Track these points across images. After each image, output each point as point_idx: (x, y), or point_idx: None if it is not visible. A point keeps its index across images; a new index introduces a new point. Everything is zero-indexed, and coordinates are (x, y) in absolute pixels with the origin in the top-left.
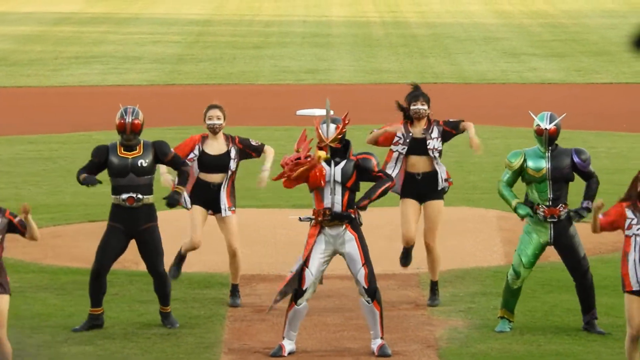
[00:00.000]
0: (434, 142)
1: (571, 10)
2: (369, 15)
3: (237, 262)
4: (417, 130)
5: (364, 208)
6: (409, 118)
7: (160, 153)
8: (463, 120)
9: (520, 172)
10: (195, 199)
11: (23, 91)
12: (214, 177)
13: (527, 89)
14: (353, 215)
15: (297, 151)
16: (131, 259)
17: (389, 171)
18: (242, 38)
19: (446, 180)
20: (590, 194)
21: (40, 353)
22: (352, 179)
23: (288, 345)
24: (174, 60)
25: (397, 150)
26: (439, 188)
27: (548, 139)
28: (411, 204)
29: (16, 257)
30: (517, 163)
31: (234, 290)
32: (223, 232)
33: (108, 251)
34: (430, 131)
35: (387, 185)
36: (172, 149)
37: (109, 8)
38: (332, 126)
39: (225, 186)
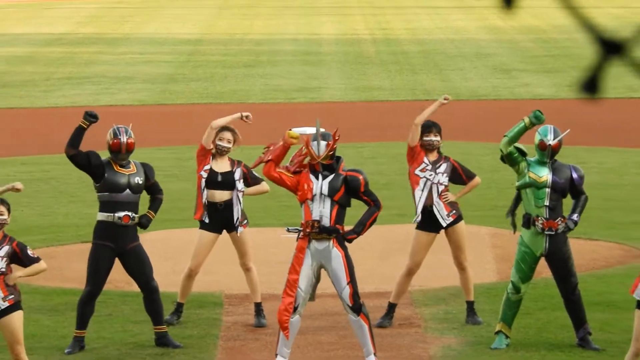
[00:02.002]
0: (439, 177)
1: (562, 25)
2: (360, 33)
3: (252, 278)
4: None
5: (350, 241)
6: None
7: (149, 175)
8: (476, 176)
9: (516, 162)
10: (207, 222)
11: (15, 112)
12: (218, 195)
13: (518, 104)
14: (341, 231)
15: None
16: (124, 279)
17: (417, 196)
18: (233, 57)
19: (448, 215)
20: (579, 209)
21: None
22: (340, 193)
23: None
24: (165, 79)
25: (424, 177)
26: (444, 225)
27: (551, 153)
28: (425, 235)
29: None
30: (523, 163)
31: (257, 310)
32: (237, 248)
33: (101, 273)
34: (438, 165)
35: (375, 215)
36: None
37: (100, 28)
38: (323, 143)
39: (238, 206)
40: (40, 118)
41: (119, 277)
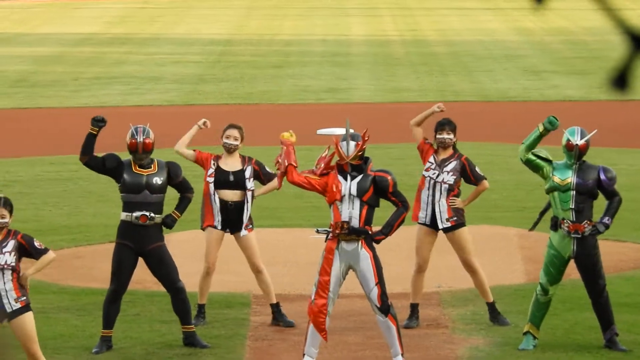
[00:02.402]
0: (443, 176)
1: (592, 27)
2: (389, 34)
3: (265, 280)
4: (438, 158)
5: (378, 242)
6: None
7: (173, 174)
8: (485, 179)
9: (539, 167)
10: (214, 220)
11: (43, 112)
12: (230, 195)
13: (548, 106)
14: (370, 232)
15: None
16: (151, 279)
17: (423, 196)
18: (262, 58)
19: (447, 219)
20: (611, 211)
21: None
22: (369, 193)
23: None
24: (194, 80)
25: (429, 176)
26: (439, 227)
27: (578, 154)
28: (425, 230)
29: (37, 277)
30: (547, 166)
31: (277, 311)
32: (244, 252)
33: (124, 272)
34: (447, 163)
35: (403, 216)
36: (182, 173)
37: (129, 29)
38: (352, 144)
39: (248, 206)
40: (69, 118)
41: (147, 277)
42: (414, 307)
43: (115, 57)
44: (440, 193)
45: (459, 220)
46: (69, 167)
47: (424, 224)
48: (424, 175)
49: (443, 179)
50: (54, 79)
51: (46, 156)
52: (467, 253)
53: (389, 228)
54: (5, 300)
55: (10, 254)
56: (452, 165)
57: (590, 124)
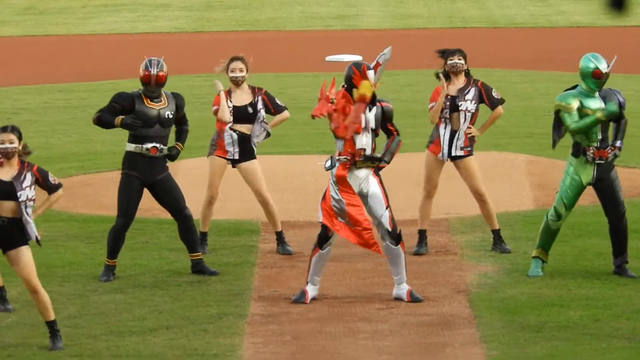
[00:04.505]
0: (466, 104)
1: None
2: None
3: (271, 208)
4: (453, 89)
5: (380, 169)
6: (447, 78)
7: (180, 106)
8: (502, 103)
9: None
10: (227, 154)
11: (52, 40)
12: (241, 128)
13: (555, 32)
14: (382, 159)
15: (331, 101)
16: (160, 207)
17: (440, 133)
18: None
19: (462, 148)
20: (621, 134)
21: (72, 302)
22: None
23: (311, 291)
24: (202, 7)
25: (442, 117)
26: (451, 154)
27: (604, 82)
28: (434, 156)
29: None
30: (575, 104)
31: (280, 239)
32: (249, 181)
33: (132, 203)
34: (466, 92)
35: (400, 144)
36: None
37: None
38: (372, 72)
39: (260, 132)
40: (78, 45)
41: (155, 205)
42: (422, 233)
43: None
44: (464, 120)
45: (471, 150)
46: (78, 94)
47: (433, 151)
48: (440, 117)
49: (467, 107)
50: (63, 6)
51: (54, 84)
52: (476, 180)
53: (390, 156)
54: (31, 230)
55: (30, 188)
56: (472, 93)
57: (598, 50)
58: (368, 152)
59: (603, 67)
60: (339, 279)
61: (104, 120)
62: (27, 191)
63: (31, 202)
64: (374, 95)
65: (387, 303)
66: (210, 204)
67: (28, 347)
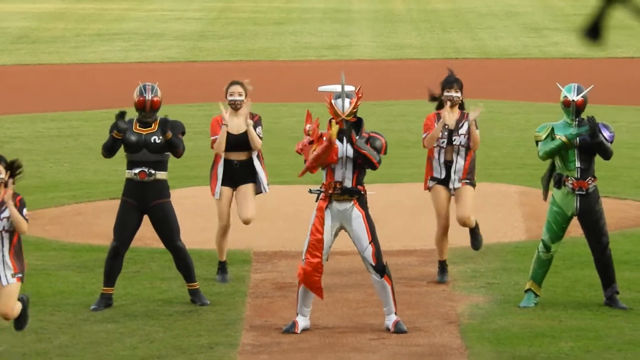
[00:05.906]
0: (460, 139)
1: None
2: None
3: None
4: (451, 122)
5: (364, 201)
6: (441, 107)
7: (164, 131)
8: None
9: (557, 147)
10: (223, 179)
11: (45, 69)
12: (236, 155)
13: (548, 63)
14: (362, 192)
15: (308, 134)
16: (151, 236)
17: (435, 165)
18: (263, 14)
19: (460, 180)
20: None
21: (63, 331)
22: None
23: (302, 322)
24: (195, 36)
25: (437, 145)
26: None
27: (575, 110)
28: (443, 188)
29: (37, 234)
30: (544, 134)
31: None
32: (241, 204)
33: (126, 228)
34: (460, 125)
35: (374, 159)
36: (180, 133)
37: None
38: (347, 100)
39: (259, 162)
40: (70, 74)
41: (147, 234)
42: (442, 264)
43: (117, 14)
44: (457, 154)
45: (471, 182)
46: (70, 123)
47: (440, 183)
48: (433, 146)
49: (460, 142)
50: (56, 36)
51: (47, 112)
52: (468, 211)
53: (365, 148)
54: (2, 273)
55: (8, 220)
56: (465, 127)
57: (591, 82)
58: (347, 184)
59: (571, 95)
60: (330, 309)
61: (105, 144)
62: (5, 222)
63: (7, 234)
64: (354, 124)
65: (378, 333)
66: (225, 234)
67: None
